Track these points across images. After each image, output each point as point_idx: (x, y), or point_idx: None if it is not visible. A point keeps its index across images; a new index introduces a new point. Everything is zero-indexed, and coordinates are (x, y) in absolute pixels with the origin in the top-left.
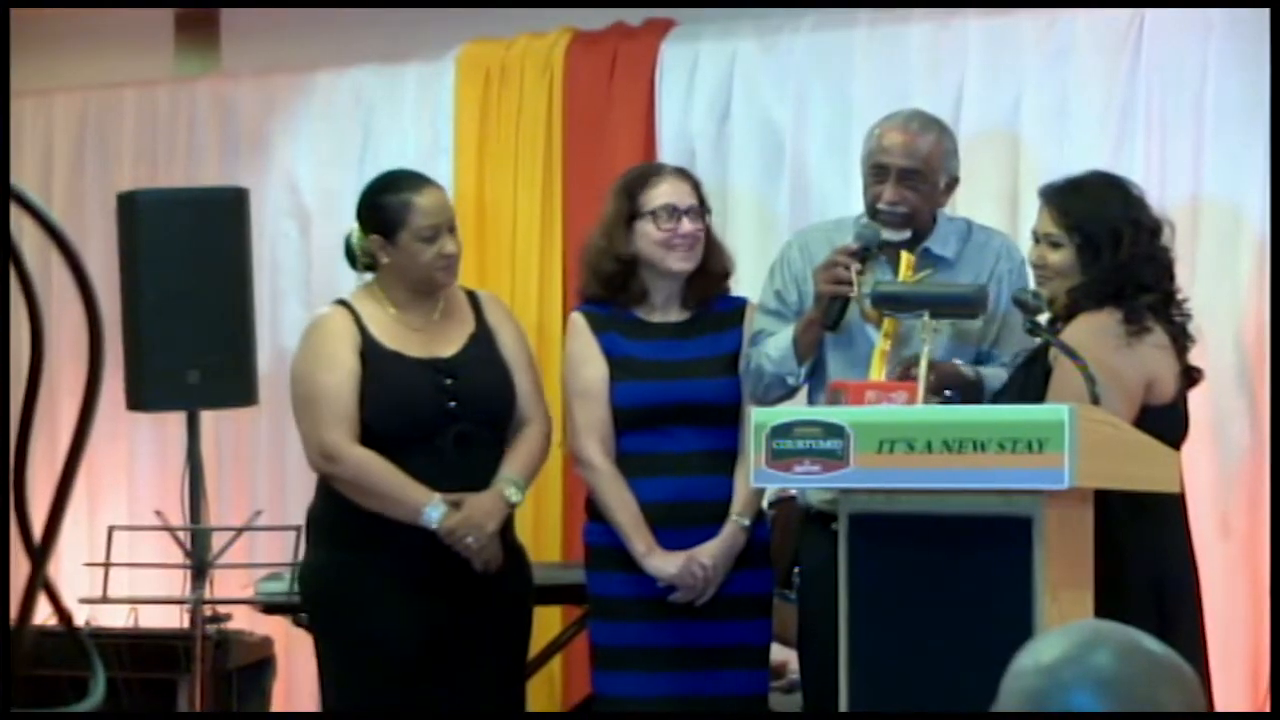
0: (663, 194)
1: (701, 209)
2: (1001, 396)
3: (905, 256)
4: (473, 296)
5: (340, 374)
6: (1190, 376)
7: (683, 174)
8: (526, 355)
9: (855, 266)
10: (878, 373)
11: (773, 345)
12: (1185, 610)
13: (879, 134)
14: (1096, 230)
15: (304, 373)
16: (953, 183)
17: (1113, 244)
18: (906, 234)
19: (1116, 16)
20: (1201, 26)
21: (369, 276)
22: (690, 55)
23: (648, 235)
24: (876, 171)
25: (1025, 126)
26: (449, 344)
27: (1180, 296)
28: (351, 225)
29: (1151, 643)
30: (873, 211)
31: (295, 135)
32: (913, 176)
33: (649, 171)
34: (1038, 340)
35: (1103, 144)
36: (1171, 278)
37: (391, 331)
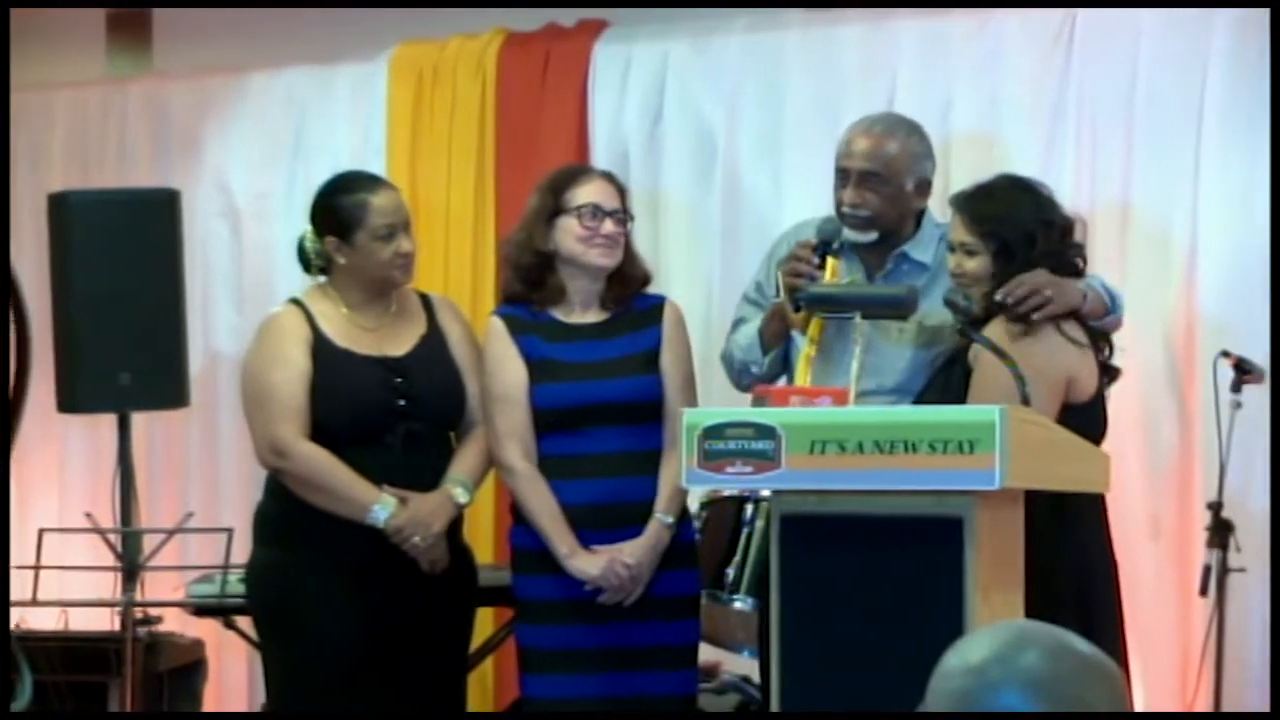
0: (589, 193)
1: (625, 215)
2: (923, 398)
3: (831, 262)
4: (425, 298)
5: (291, 371)
6: (1108, 373)
7: (611, 178)
8: (477, 358)
9: (815, 261)
10: (803, 378)
11: (743, 334)
12: (1106, 608)
13: (846, 136)
14: (1010, 234)
15: (255, 370)
16: (924, 185)
17: (1026, 246)
18: (871, 236)
19: (1048, 18)
20: (1132, 28)
21: (308, 279)
22: (623, 56)
23: (570, 231)
24: (840, 175)
25: (956, 128)
26: (400, 344)
27: None
28: (296, 223)
29: (1079, 642)
30: (839, 211)
31: (227, 136)
32: (872, 179)
33: (578, 171)
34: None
35: (1033, 145)
36: (1082, 275)
37: (343, 330)
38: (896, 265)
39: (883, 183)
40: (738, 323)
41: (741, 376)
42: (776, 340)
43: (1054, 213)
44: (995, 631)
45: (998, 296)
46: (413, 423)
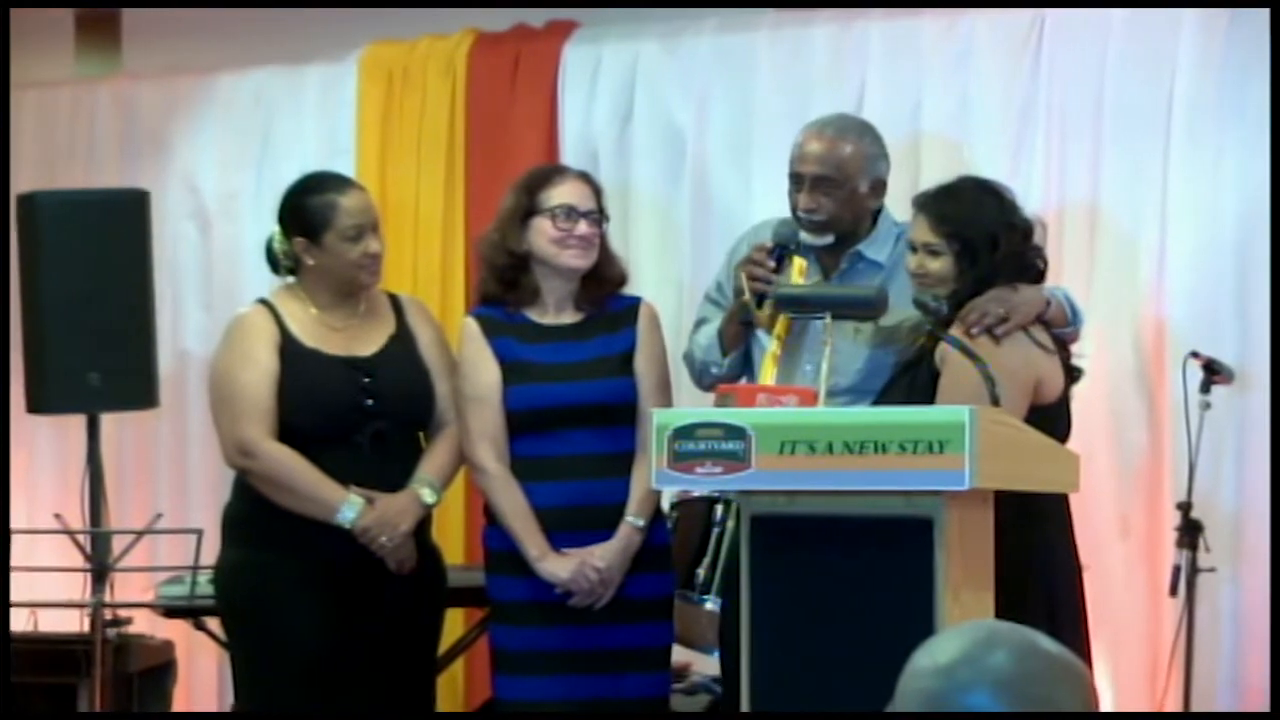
0: (563, 193)
1: (600, 215)
2: (885, 398)
3: (797, 261)
4: (394, 299)
5: (259, 371)
6: (1072, 374)
7: (586, 178)
8: (446, 359)
9: (770, 264)
10: (768, 376)
11: (703, 334)
12: (1071, 608)
13: (799, 141)
14: (974, 236)
15: (223, 370)
16: (878, 185)
17: (990, 248)
18: (828, 239)
19: (1017, 18)
20: (1101, 28)
21: (277, 280)
22: (593, 57)
23: (543, 232)
24: (794, 179)
25: (926, 128)
26: (369, 344)
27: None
28: (265, 223)
29: (1047, 642)
30: (795, 214)
31: (196, 137)
32: (826, 183)
33: (552, 171)
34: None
35: (1003, 145)
36: (1044, 277)
37: (311, 330)
38: (852, 264)
39: (836, 186)
40: (699, 322)
41: (702, 376)
42: (736, 342)
43: (1016, 215)
44: (964, 631)
45: (955, 330)
46: (380, 423)
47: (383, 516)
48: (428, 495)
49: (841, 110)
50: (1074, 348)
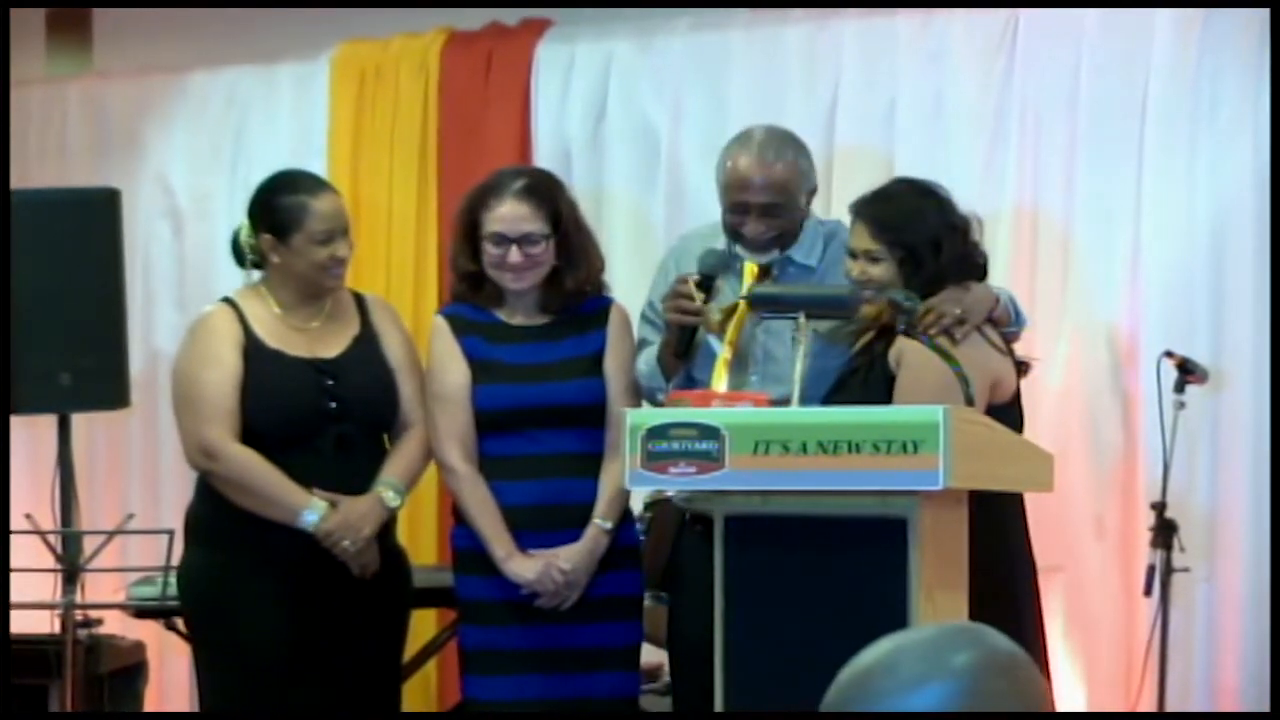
0: (497, 219)
1: (549, 227)
2: (836, 401)
3: (749, 267)
4: (360, 299)
5: (222, 372)
6: (1020, 370)
7: (527, 194)
8: (412, 360)
9: (700, 296)
10: (719, 382)
11: (643, 359)
12: (1030, 606)
13: (731, 166)
14: (916, 241)
15: (185, 370)
16: (812, 193)
17: (934, 252)
18: (774, 254)
19: (991, 18)
20: (1075, 29)
21: (243, 275)
22: (566, 56)
23: (486, 252)
24: (736, 208)
25: (900, 128)
26: (332, 345)
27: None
28: (238, 222)
29: (1004, 640)
30: (734, 234)
31: (168, 136)
32: (775, 209)
33: (491, 191)
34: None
35: (977, 145)
36: (987, 273)
37: (275, 330)
38: (783, 270)
39: (783, 209)
40: (640, 343)
41: (651, 399)
42: (675, 370)
43: (955, 215)
44: (923, 634)
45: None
46: (343, 425)
47: (346, 520)
48: (391, 498)
49: (815, 111)
50: (1017, 346)
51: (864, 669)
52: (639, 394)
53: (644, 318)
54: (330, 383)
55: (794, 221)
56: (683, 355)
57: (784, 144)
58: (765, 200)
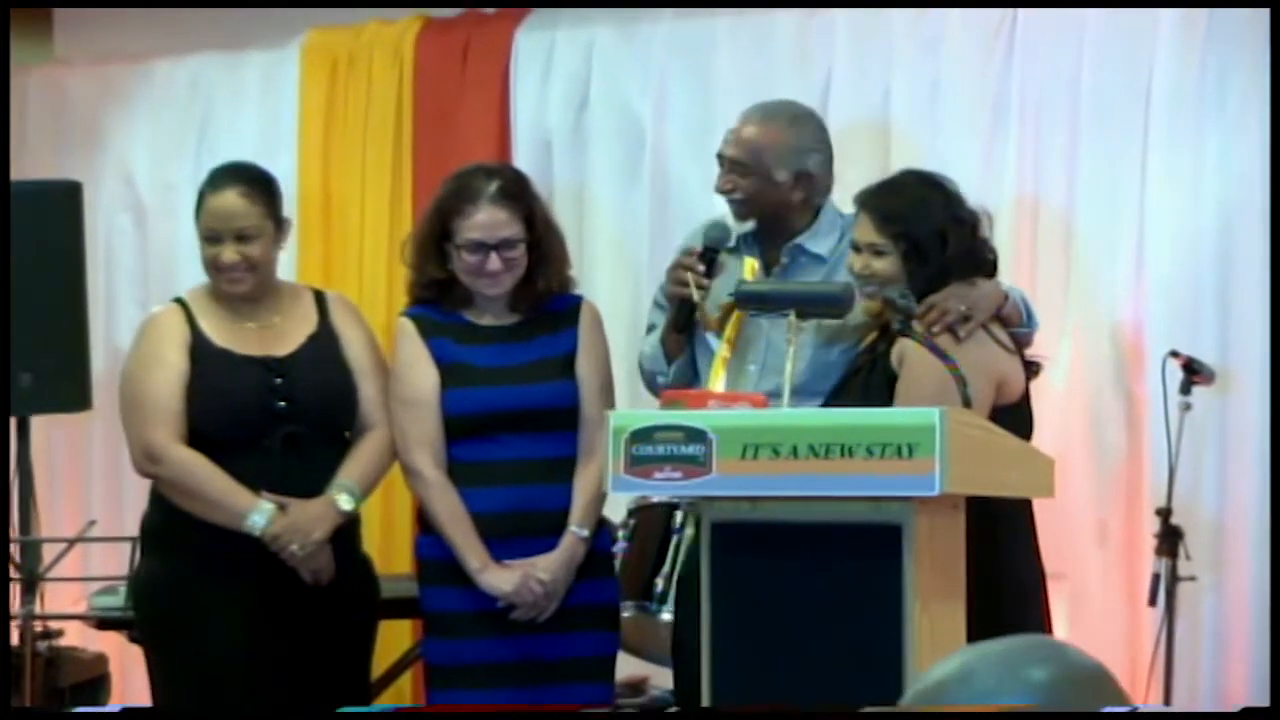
0: (474, 226)
1: (524, 230)
2: (838, 402)
3: (749, 262)
4: (320, 296)
5: (167, 373)
6: (1030, 371)
7: (503, 197)
8: (373, 360)
9: (700, 269)
10: (717, 381)
11: (649, 343)
12: (1039, 615)
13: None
14: (922, 234)
15: (131, 373)
16: (803, 177)
17: (939, 246)
18: (749, 224)
19: (989, 11)
20: (1076, 23)
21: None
22: (546, 43)
23: (459, 260)
24: (719, 161)
25: (895, 118)
26: (285, 343)
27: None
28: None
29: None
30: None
31: (131, 126)
32: (740, 167)
33: (463, 196)
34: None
35: (975, 136)
36: (996, 270)
37: (224, 330)
38: (793, 259)
39: (748, 171)
40: (649, 328)
41: (652, 384)
42: (678, 349)
43: (963, 209)
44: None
45: (918, 327)
46: (293, 425)
47: (294, 523)
48: (345, 501)
49: (806, 101)
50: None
51: (936, 682)
52: (613, 396)
53: (655, 303)
54: (279, 381)
55: (763, 194)
56: (683, 329)
57: (782, 113)
58: (732, 154)
